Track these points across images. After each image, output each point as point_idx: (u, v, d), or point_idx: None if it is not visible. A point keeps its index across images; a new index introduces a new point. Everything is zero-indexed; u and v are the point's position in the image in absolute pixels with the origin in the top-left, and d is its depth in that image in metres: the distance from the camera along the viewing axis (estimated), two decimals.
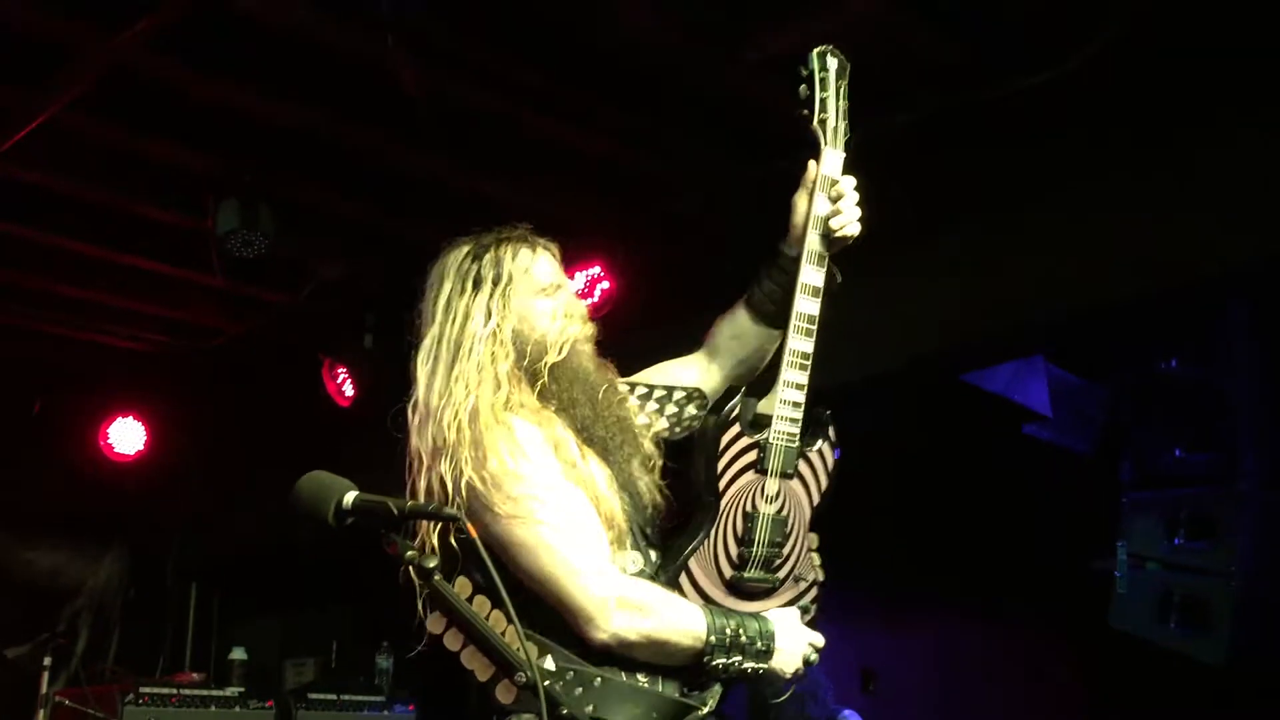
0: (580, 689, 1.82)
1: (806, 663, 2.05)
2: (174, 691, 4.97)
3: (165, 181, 4.75)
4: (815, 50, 2.14)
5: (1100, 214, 4.02)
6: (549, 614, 1.87)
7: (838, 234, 2.12)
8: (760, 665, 1.98)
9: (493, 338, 2.04)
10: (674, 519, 2.08)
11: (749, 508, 2.05)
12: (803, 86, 2.13)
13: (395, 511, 1.65)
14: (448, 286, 2.10)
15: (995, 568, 5.29)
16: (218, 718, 5.03)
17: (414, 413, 2.02)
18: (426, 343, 2.07)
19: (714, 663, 1.93)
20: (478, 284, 2.09)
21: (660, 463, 2.10)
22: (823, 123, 2.14)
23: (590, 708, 1.81)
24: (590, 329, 2.18)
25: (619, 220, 4.88)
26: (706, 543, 2.02)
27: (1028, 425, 5.18)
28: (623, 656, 1.89)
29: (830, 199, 2.12)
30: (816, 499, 2.15)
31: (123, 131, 4.39)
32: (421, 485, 1.96)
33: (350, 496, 1.67)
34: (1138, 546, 4.66)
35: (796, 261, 2.12)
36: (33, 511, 6.50)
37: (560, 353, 2.08)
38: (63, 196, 4.87)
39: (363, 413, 5.48)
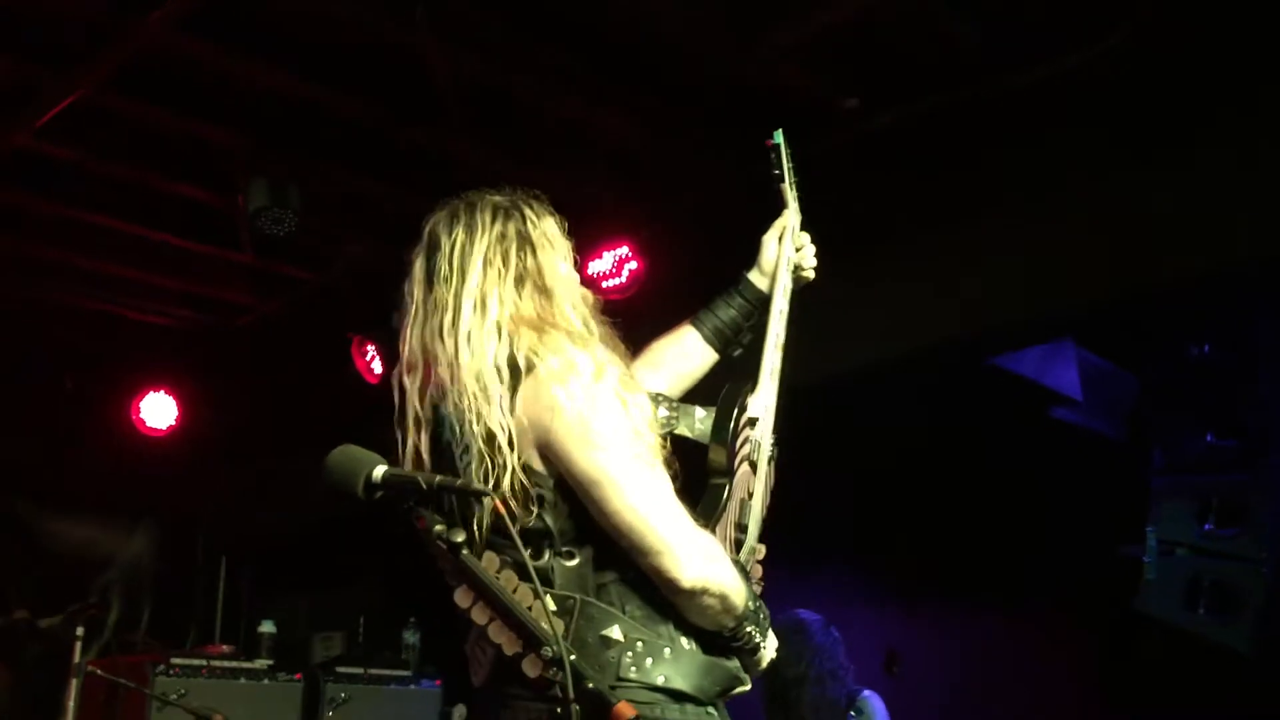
0: (650, 659, 1.81)
1: (772, 660, 2.07)
2: (204, 663, 5.03)
3: (195, 159, 4.78)
4: (777, 130, 2.50)
5: (1132, 200, 4.00)
6: (621, 569, 1.84)
7: (802, 275, 2.47)
8: (764, 644, 2.00)
9: (559, 285, 2.02)
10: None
11: (744, 496, 2.11)
12: (771, 154, 2.49)
13: (424, 485, 1.65)
14: (488, 238, 2.01)
15: (1021, 552, 5.27)
16: (247, 689, 5.09)
17: (456, 357, 1.90)
18: (471, 288, 1.95)
19: (745, 629, 1.93)
20: (526, 238, 2.03)
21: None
22: (790, 185, 2.49)
23: (662, 679, 1.80)
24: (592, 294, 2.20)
25: (648, 201, 4.89)
26: (725, 514, 2.06)
27: (1057, 409, 5.15)
28: (679, 619, 1.87)
29: (795, 247, 2.45)
30: (765, 510, 2.20)
31: (153, 110, 4.43)
32: (475, 429, 1.84)
33: (380, 470, 1.68)
34: (1167, 532, 4.64)
35: (763, 294, 2.43)
36: (65, 485, 6.58)
37: (593, 313, 2.09)
38: (95, 174, 4.92)
39: (391, 389, 5.51)
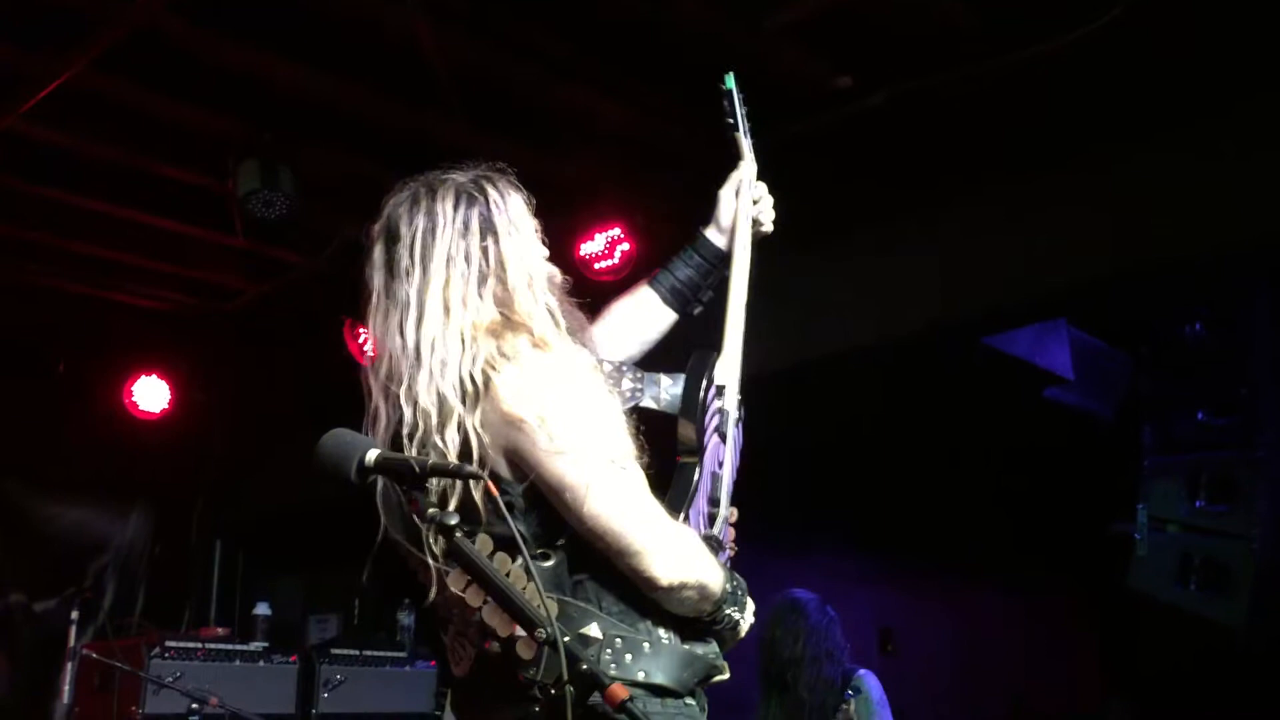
0: (630, 655, 1.80)
1: (750, 627, 2.06)
2: (199, 645, 5.04)
3: (187, 142, 4.76)
4: (729, 73, 2.41)
5: (1126, 180, 4.00)
6: (596, 567, 1.82)
7: (761, 228, 2.40)
8: (743, 619, 1.98)
9: (522, 277, 1.96)
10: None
11: (715, 469, 2.09)
12: (724, 102, 2.40)
13: (417, 469, 1.65)
14: (450, 229, 1.94)
15: (1014, 530, 5.30)
16: (242, 671, 5.10)
17: (426, 356, 1.86)
18: (434, 287, 1.91)
19: (724, 612, 1.92)
20: (490, 226, 1.96)
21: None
22: (744, 133, 2.41)
23: (642, 674, 1.80)
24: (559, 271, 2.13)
25: (640, 183, 4.88)
26: (697, 495, 2.04)
27: (1049, 389, 5.17)
28: (656, 611, 1.86)
29: (753, 200, 2.38)
30: (735, 473, 2.18)
31: (144, 92, 4.40)
32: (440, 440, 1.82)
33: (372, 454, 1.67)
34: (1158, 509, 4.67)
35: (721, 251, 2.38)
36: (58, 468, 6.58)
37: (558, 294, 2.04)
38: (85, 157, 4.90)
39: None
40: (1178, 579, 4.52)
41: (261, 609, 5.60)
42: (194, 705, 4.60)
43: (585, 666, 1.59)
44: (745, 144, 2.42)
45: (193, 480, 7.14)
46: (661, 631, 1.87)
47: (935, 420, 5.36)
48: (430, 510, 1.64)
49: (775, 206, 2.42)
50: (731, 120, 2.40)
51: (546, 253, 2.09)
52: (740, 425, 2.20)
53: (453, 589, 1.75)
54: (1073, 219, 4.12)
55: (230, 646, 5.19)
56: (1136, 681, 5.01)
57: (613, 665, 1.79)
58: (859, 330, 4.72)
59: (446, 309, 1.90)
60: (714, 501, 2.07)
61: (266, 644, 5.34)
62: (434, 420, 1.83)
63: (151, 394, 6.61)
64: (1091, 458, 5.10)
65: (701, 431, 2.07)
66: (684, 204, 2.42)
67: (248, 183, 4.62)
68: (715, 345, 2.20)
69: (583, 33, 4.05)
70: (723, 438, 2.11)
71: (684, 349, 2.24)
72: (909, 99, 4.14)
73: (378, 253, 2.00)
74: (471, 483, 1.76)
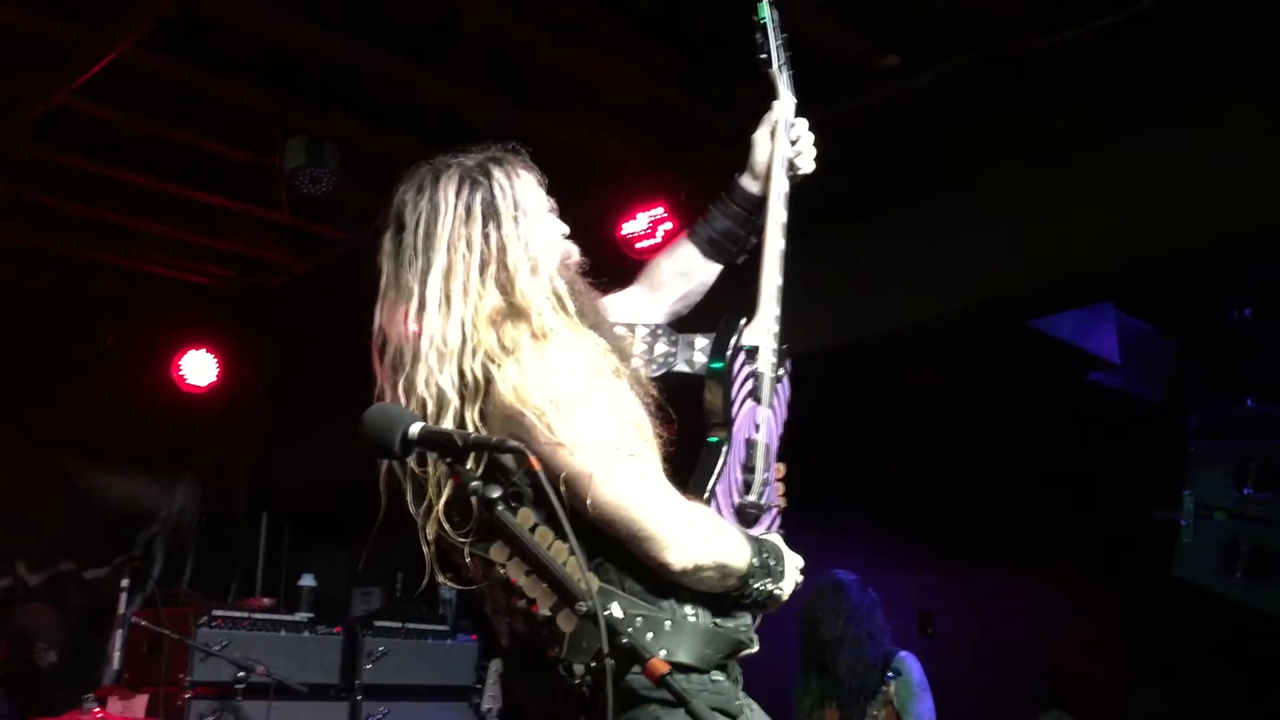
0: (651, 634, 1.78)
1: (796, 585, 2.03)
2: (246, 615, 5.12)
3: (234, 118, 4.81)
4: (762, 2, 2.27)
5: (1172, 161, 3.94)
6: (611, 549, 1.81)
7: (800, 171, 2.27)
8: (777, 588, 1.96)
9: (524, 263, 1.93)
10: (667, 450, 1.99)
11: (749, 435, 2.06)
12: (758, 35, 2.26)
13: (459, 442, 1.66)
14: (451, 215, 1.93)
15: (1057, 515, 5.25)
16: (287, 642, 5.18)
17: (427, 350, 1.86)
18: (435, 276, 1.90)
19: (754, 586, 1.91)
20: (493, 211, 1.94)
21: (653, 394, 1.98)
22: (779, 68, 2.27)
23: (663, 653, 1.77)
24: (578, 249, 2.09)
25: (682, 161, 4.87)
26: (726, 468, 2.03)
27: (1094, 372, 5.11)
28: (678, 589, 1.85)
29: (790, 140, 2.25)
30: (781, 429, 2.15)
31: (191, 69, 4.45)
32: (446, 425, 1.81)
33: (416, 427, 1.69)
34: (1205, 496, 4.60)
35: (756, 198, 2.25)
36: (108, 440, 6.69)
37: (573, 274, 2.02)
38: (133, 133, 4.96)
39: None
40: (1224, 567, 4.47)
41: (306, 580, 5.68)
42: (240, 674, 4.68)
43: (625, 641, 1.60)
44: (781, 80, 2.27)
45: (239, 453, 7.23)
46: (687, 609, 1.86)
47: (979, 402, 5.31)
48: (473, 484, 1.65)
49: (822, 181, 2.30)
50: (765, 55, 2.26)
51: (565, 230, 2.07)
52: (785, 379, 2.15)
53: (495, 560, 1.76)
54: (1121, 200, 4.07)
55: (276, 617, 5.27)
56: (1176, 669, 4.96)
57: (621, 628, 1.79)
58: (904, 310, 4.69)
59: (447, 299, 1.89)
60: (749, 468, 2.05)
61: (311, 615, 5.42)
62: (430, 411, 1.83)
63: (199, 368, 6.70)
64: (1137, 443, 5.04)
65: (729, 403, 2.04)
66: (730, 181, 2.36)
67: (294, 159, 4.66)
68: (747, 314, 2.12)
69: (624, 8, 4.03)
70: (758, 400, 2.08)
71: (724, 300, 2.19)
72: (956, 77, 4.10)
73: (387, 239, 2.01)
74: (513, 458, 1.77)
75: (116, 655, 5.22)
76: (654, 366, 2.13)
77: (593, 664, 1.71)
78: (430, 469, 1.83)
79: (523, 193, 2.00)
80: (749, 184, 2.30)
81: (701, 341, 2.11)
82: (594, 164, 4.62)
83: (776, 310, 2.13)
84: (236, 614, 5.10)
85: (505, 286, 1.92)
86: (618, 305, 2.28)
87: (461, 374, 1.85)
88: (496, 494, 1.63)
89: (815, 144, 2.31)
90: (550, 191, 2.08)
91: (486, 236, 1.94)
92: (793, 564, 2.02)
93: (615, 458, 1.80)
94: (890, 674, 4.37)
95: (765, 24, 2.26)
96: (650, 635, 1.78)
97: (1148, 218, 4.00)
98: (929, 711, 4.45)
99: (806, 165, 2.29)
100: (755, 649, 1.96)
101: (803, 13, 3.90)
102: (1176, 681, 4.87)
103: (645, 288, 2.33)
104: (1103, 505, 5.05)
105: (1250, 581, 4.37)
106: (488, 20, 4.03)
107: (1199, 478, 4.64)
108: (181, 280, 6.46)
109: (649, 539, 1.80)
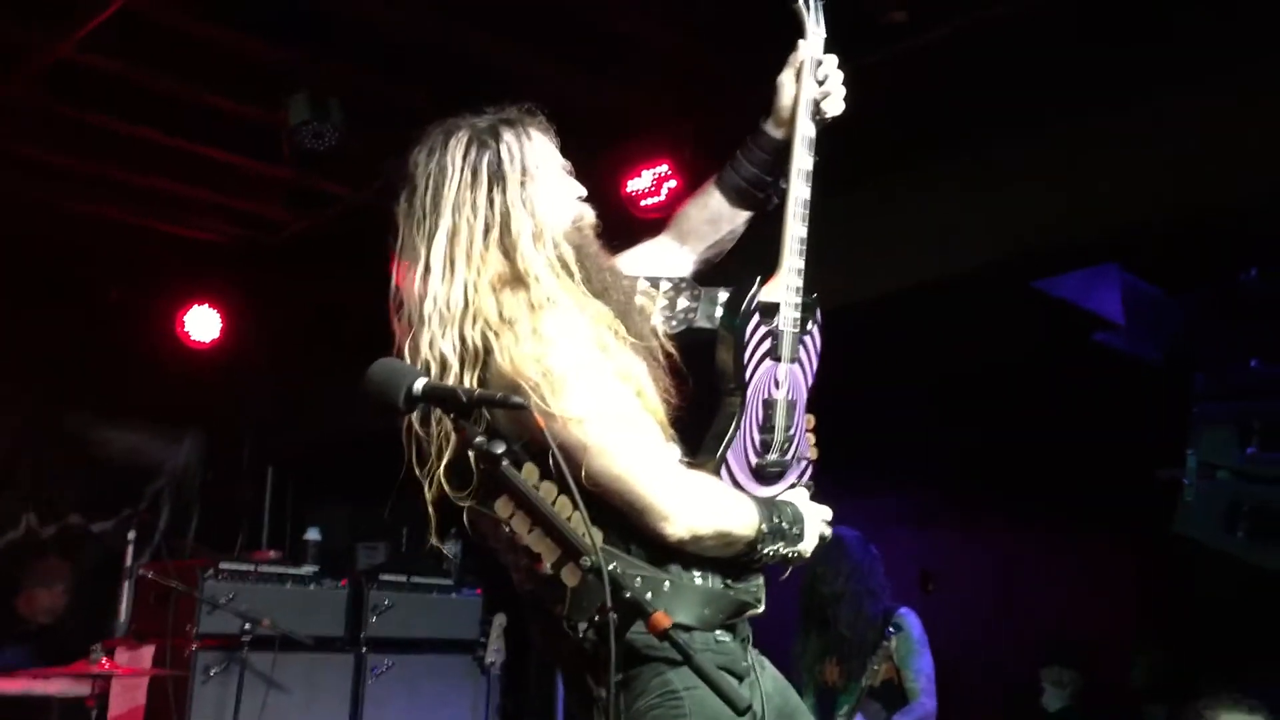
0: (650, 594, 1.79)
1: (822, 539, 2.05)
2: (252, 568, 5.16)
3: (238, 72, 4.77)
4: None
5: (1179, 121, 3.91)
6: (613, 516, 1.82)
7: (827, 115, 2.15)
8: (794, 549, 1.97)
9: (526, 229, 1.93)
10: (679, 412, 2.01)
11: (767, 395, 2.05)
12: None
13: (464, 398, 1.67)
14: (458, 178, 1.94)
15: (1059, 474, 5.27)
16: (293, 594, 5.22)
17: (431, 313, 1.88)
18: (440, 239, 1.92)
19: (764, 551, 1.92)
20: (499, 174, 1.95)
21: (671, 355, 2.00)
22: (808, 2, 2.14)
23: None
24: (594, 212, 2.08)
25: (688, 118, 4.82)
26: (738, 433, 2.02)
27: (1099, 333, 5.10)
28: (683, 554, 1.86)
29: (817, 80, 2.13)
30: (810, 380, 2.14)
31: (194, 20, 4.41)
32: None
33: (420, 383, 1.69)
34: (1208, 456, 4.61)
35: (780, 143, 2.16)
36: (112, 395, 6.71)
37: (585, 237, 2.01)
38: (137, 85, 4.92)
39: None
40: (1226, 526, 4.48)
41: (312, 534, 5.71)
42: (246, 626, 4.73)
43: (629, 595, 1.61)
44: (809, 18, 2.13)
45: (244, 409, 7.25)
46: (695, 572, 1.88)
47: (981, 361, 5.31)
48: (477, 439, 1.66)
49: (827, 143, 2.21)
50: None
51: (583, 192, 2.06)
52: (814, 330, 2.12)
53: (499, 514, 1.77)
54: (1120, 162, 4.04)
55: (282, 570, 5.31)
56: (1179, 627, 4.99)
57: (625, 583, 1.80)
58: (907, 270, 4.68)
59: (451, 263, 1.91)
60: (768, 428, 2.04)
61: (317, 568, 5.45)
62: (434, 374, 1.85)
63: (203, 323, 6.70)
64: (1140, 403, 5.04)
65: (742, 366, 2.03)
66: (738, 140, 2.32)
67: (298, 114, 4.64)
68: (761, 273, 2.08)
69: None
70: (777, 359, 2.06)
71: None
72: (963, 34, 4.05)
73: (403, 200, 2.01)
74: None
75: (124, 608, 5.26)
76: (675, 323, 2.12)
77: (596, 618, 1.73)
78: (434, 429, 1.84)
79: (532, 155, 1.99)
80: (772, 129, 2.20)
81: (723, 295, 2.08)
82: (598, 116, 4.58)
83: (799, 264, 2.06)
84: (243, 567, 5.14)
85: (508, 251, 1.92)
86: (646, 256, 2.27)
87: (463, 339, 1.86)
88: (500, 449, 1.64)
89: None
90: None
91: (491, 200, 1.94)
92: (816, 519, 2.03)
93: (610, 429, 1.81)
94: (891, 629, 4.41)
95: None
96: (649, 595, 1.79)
97: (1156, 178, 3.98)
98: (928, 667, 4.50)
99: (835, 107, 2.16)
100: (761, 609, 1.98)
101: None
102: (1179, 638, 4.91)
103: (674, 236, 2.31)
104: (1106, 464, 5.06)
105: (1252, 540, 4.39)
106: None
107: (1202, 437, 4.64)
108: (185, 236, 6.44)
109: (645, 510, 1.82)
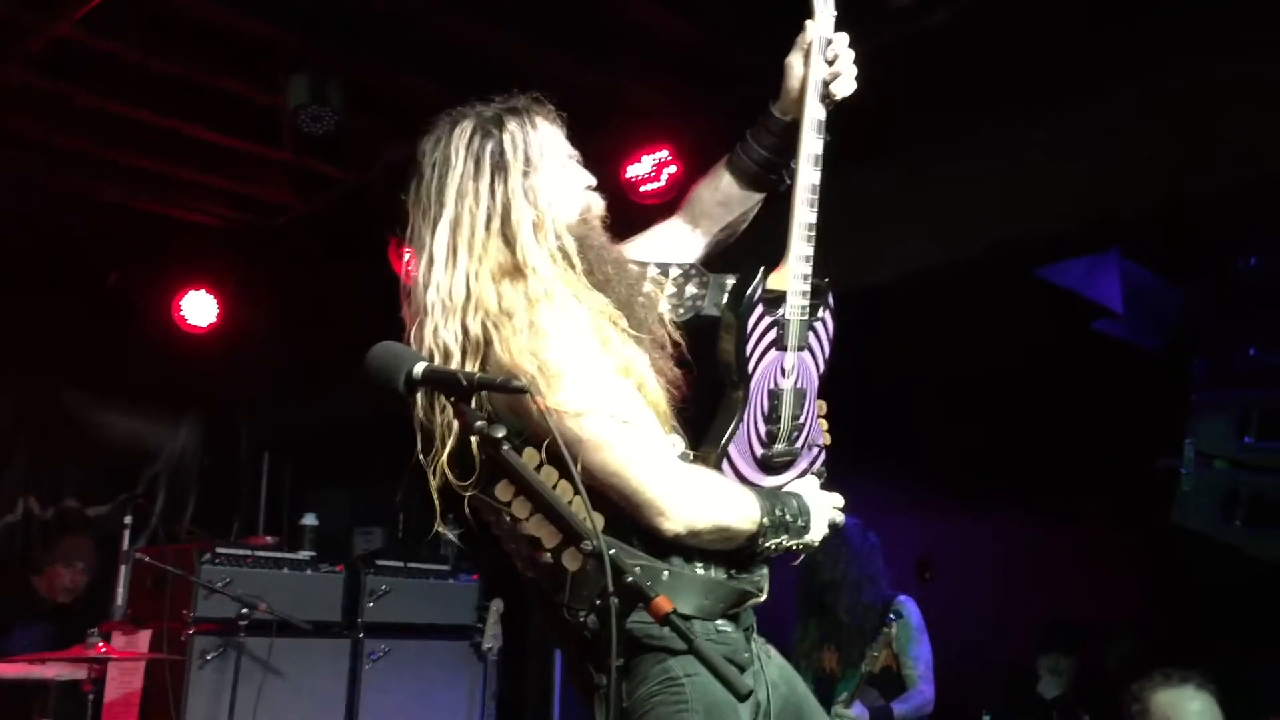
0: (649, 583, 1.76)
1: (832, 526, 2.04)
2: (249, 553, 5.15)
3: (238, 54, 4.74)
4: None
5: (1180, 108, 3.89)
6: (612, 508, 1.81)
7: (836, 96, 2.10)
8: (800, 541, 1.97)
9: (527, 219, 1.93)
10: (685, 402, 2.01)
11: (773, 385, 2.04)
12: None
13: (464, 382, 1.66)
14: (461, 167, 1.95)
15: (1057, 462, 5.27)
16: (290, 579, 5.21)
17: (434, 303, 1.89)
18: (443, 228, 1.92)
19: (766, 544, 1.92)
20: (501, 164, 1.95)
21: (679, 344, 2.00)
22: None
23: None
24: (603, 202, 2.08)
25: (689, 103, 4.80)
26: (741, 425, 2.01)
27: (1099, 321, 5.10)
28: (684, 546, 1.86)
29: (826, 60, 2.08)
30: (822, 366, 2.12)
31: (195, 1, 4.38)
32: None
33: (420, 367, 1.69)
34: (1206, 445, 4.62)
35: (789, 125, 2.12)
36: (110, 379, 6.70)
37: (590, 227, 2.01)
38: (135, 67, 4.89)
39: None
40: (1223, 515, 4.49)
41: (309, 519, 5.70)
42: (243, 610, 4.72)
43: (630, 580, 1.60)
44: None
45: (241, 393, 7.24)
46: (697, 564, 1.88)
47: (981, 349, 5.30)
48: (478, 424, 1.65)
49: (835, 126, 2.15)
50: None
51: (592, 182, 2.06)
52: (827, 315, 2.10)
53: (499, 498, 1.76)
54: (1122, 148, 4.02)
55: (279, 555, 5.30)
56: (1159, 614, 5.00)
57: (626, 567, 1.80)
58: (910, 256, 4.66)
59: (454, 252, 1.91)
60: (773, 419, 2.02)
61: (313, 553, 5.44)
62: (438, 363, 1.85)
63: (200, 308, 6.69)
64: (1139, 391, 5.04)
65: (744, 359, 2.01)
66: (739, 125, 2.29)
67: (297, 97, 4.61)
68: (766, 263, 2.05)
69: None
70: (783, 348, 2.04)
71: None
72: (968, 17, 4.03)
73: (412, 189, 2.01)
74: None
75: (120, 591, 5.26)
76: (683, 310, 2.11)
77: (597, 602, 1.72)
78: (438, 417, 1.84)
79: (536, 144, 1.99)
80: (780, 112, 2.16)
81: (731, 282, 2.06)
82: (599, 102, 4.55)
83: (807, 250, 2.02)
84: (239, 552, 5.12)
85: (509, 241, 1.92)
86: (659, 238, 2.26)
87: (465, 330, 1.86)
88: (501, 433, 1.63)
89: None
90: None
91: (493, 190, 1.94)
92: (824, 508, 2.03)
93: (606, 424, 1.80)
94: (891, 616, 4.41)
95: None
96: (648, 584, 1.77)
97: (1155, 164, 3.97)
98: (927, 654, 4.50)
99: (844, 88, 2.10)
100: (763, 598, 1.97)
101: None
102: (1155, 625, 4.92)
103: (686, 218, 2.29)
104: (1104, 453, 5.06)
105: (1249, 529, 4.40)
106: None
107: (1200, 426, 4.65)
108: (183, 219, 6.42)
109: (642, 505, 1.82)
